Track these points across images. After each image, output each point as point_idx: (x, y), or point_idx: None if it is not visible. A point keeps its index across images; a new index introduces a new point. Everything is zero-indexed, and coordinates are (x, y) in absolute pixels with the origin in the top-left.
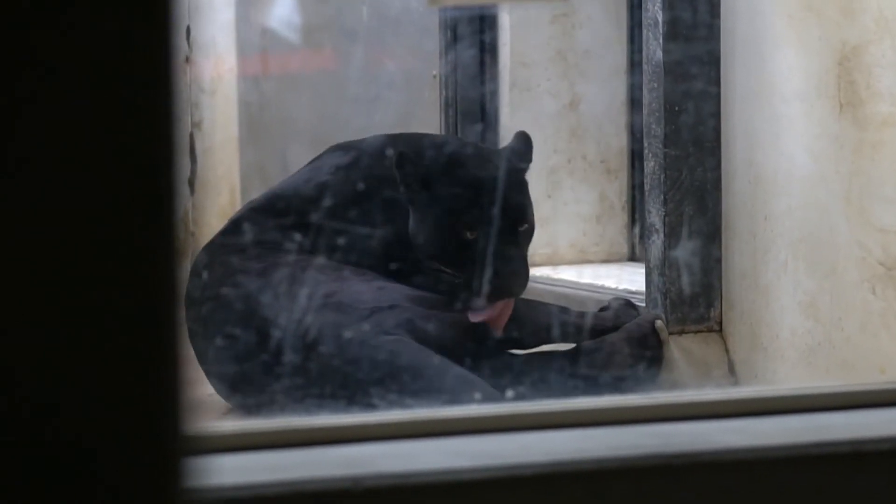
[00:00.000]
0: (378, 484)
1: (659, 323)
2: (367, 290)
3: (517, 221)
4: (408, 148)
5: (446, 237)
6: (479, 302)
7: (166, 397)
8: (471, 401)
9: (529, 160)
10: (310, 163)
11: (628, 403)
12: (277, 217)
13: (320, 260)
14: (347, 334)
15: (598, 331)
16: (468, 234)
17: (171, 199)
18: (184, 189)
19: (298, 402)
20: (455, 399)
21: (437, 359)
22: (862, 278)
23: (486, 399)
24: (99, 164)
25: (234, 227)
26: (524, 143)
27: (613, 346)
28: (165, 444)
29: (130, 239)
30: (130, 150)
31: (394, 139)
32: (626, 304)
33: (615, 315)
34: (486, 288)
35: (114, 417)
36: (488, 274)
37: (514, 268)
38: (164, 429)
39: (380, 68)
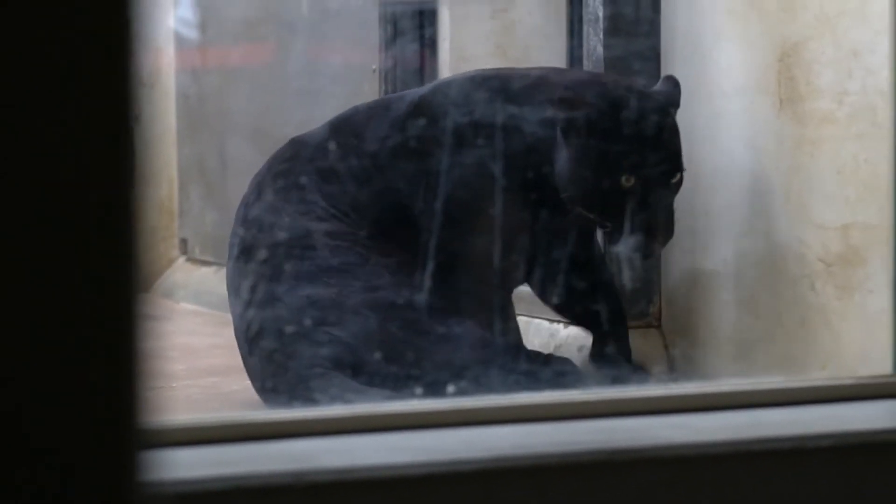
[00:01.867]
0: (319, 479)
1: None
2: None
3: (672, 171)
4: (569, 87)
5: (602, 184)
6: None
7: (121, 391)
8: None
9: (678, 105)
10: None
11: (570, 399)
12: (339, 142)
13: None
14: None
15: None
16: (625, 182)
17: (133, 191)
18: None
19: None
20: None
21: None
22: (801, 274)
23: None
24: (55, 153)
25: (296, 147)
26: (675, 87)
27: None
28: (116, 438)
29: (90, 231)
30: (89, 149)
31: (547, 74)
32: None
33: None
34: (633, 240)
35: (69, 410)
36: (639, 225)
37: (664, 221)
38: (116, 423)
39: (319, 62)
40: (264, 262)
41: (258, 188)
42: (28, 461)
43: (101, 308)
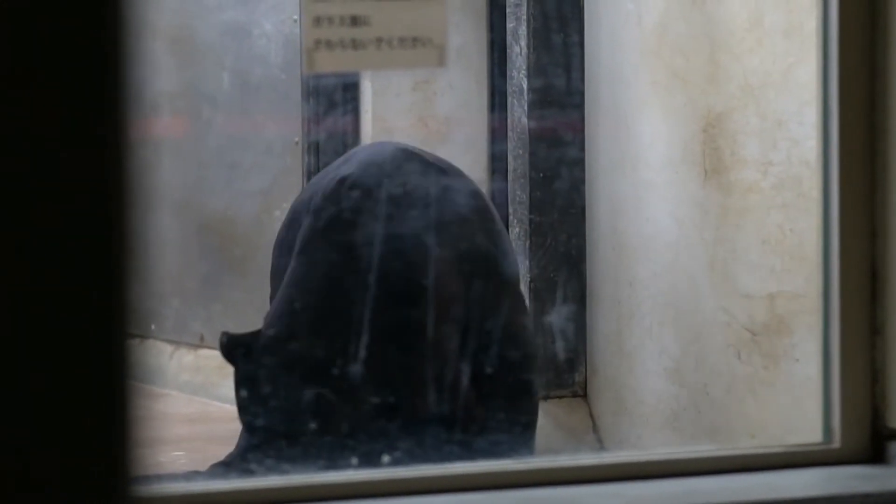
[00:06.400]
0: None
1: None
2: None
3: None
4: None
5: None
6: None
7: (109, 462)
8: None
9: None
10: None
11: (503, 468)
12: None
13: None
14: None
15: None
16: None
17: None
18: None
19: None
20: None
21: None
22: (727, 343)
23: None
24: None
25: None
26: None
27: None
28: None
29: (78, 300)
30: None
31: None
32: None
33: None
34: None
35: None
36: None
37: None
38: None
39: (243, 135)
40: None
41: None
42: None
43: (90, 375)
